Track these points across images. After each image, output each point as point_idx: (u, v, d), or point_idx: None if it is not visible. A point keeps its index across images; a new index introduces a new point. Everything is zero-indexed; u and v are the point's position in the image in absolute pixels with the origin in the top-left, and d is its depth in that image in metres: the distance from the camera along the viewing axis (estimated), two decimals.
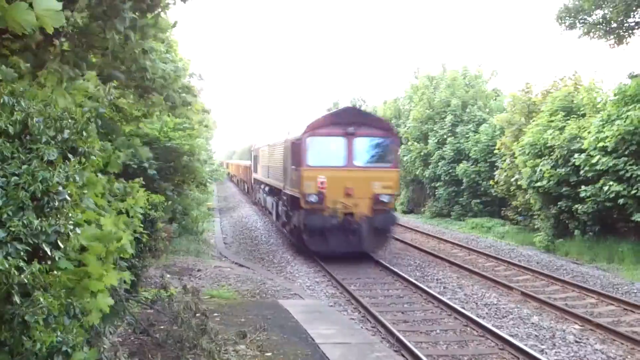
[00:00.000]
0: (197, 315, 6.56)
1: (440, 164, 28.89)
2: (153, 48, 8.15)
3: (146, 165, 11.19)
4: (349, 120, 15.44)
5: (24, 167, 3.27)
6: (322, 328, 8.28)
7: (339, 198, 15.01)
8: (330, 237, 15.03)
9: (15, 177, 3.19)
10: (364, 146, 15.54)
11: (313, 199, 14.98)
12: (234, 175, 53.94)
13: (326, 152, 15.28)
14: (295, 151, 15.89)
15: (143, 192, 5.66)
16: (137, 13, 6.00)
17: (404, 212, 33.56)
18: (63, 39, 4.12)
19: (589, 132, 17.03)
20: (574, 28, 22.58)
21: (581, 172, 17.14)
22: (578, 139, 17.77)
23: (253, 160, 31.27)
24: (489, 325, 9.74)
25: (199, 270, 13.13)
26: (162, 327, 6.78)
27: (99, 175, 4.43)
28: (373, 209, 15.17)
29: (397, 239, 20.81)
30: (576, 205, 17.59)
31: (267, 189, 24.46)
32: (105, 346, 4.38)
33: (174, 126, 13.89)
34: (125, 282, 5.11)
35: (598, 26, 20.08)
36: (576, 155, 17.31)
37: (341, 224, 15.00)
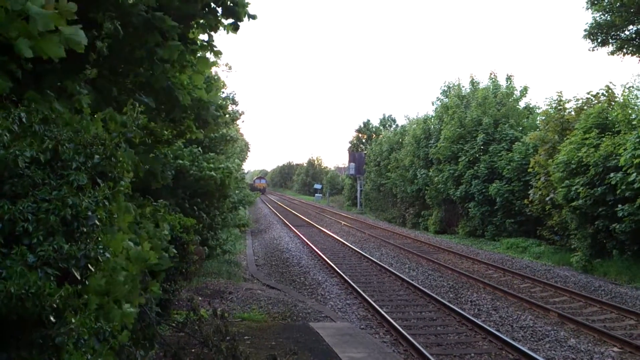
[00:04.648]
0: (227, 338, 6.54)
1: (473, 182, 28.58)
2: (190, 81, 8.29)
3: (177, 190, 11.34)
4: (260, 175, 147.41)
5: (54, 192, 3.33)
6: (353, 351, 8.19)
7: (259, 187, 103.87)
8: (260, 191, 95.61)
9: (46, 203, 3.25)
10: (262, 180, 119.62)
11: (256, 186, 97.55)
12: None
13: (258, 181, 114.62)
14: (254, 180, 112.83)
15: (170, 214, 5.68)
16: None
17: (437, 232, 33.17)
18: (91, 68, 4.22)
19: (625, 149, 16.64)
20: (606, 44, 22.30)
21: (617, 191, 16.74)
22: (614, 156, 17.40)
23: (253, 181, 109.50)
24: (525, 349, 9.49)
25: (230, 293, 13.17)
26: (192, 350, 6.78)
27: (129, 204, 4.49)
28: (264, 187, 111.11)
29: (429, 260, 20.59)
30: (614, 225, 17.17)
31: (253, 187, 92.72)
32: None
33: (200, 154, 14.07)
34: (155, 304, 5.14)
35: (632, 42, 19.77)
36: (612, 174, 16.94)
37: (260, 189, 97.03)
